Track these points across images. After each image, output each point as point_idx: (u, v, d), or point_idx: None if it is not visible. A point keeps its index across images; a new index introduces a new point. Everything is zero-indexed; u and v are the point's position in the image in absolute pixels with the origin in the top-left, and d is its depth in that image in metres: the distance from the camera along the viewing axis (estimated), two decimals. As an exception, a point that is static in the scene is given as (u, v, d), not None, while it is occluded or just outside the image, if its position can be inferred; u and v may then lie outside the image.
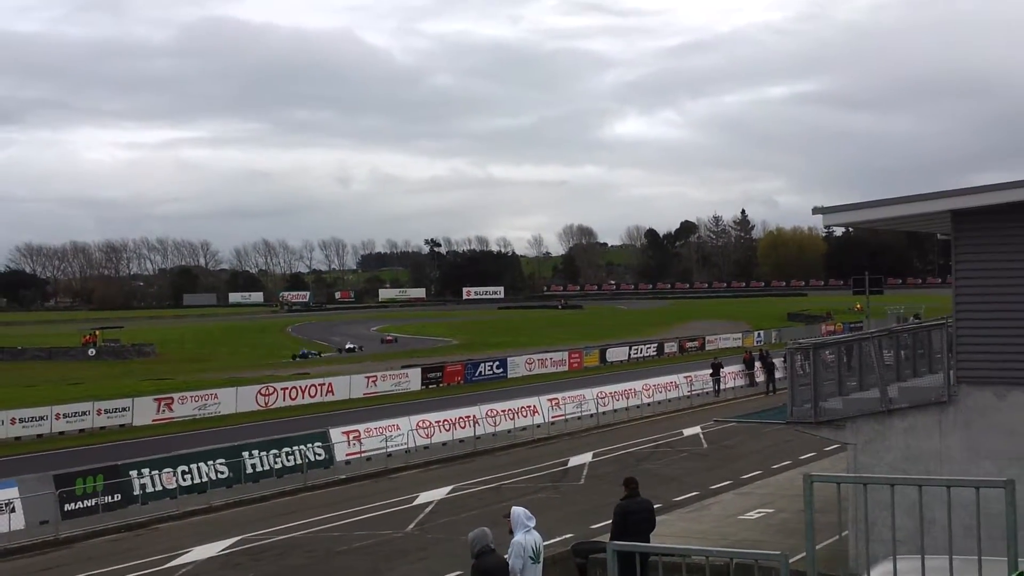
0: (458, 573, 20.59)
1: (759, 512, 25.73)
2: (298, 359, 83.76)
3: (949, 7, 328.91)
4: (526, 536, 13.10)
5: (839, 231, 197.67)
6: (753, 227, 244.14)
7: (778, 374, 53.56)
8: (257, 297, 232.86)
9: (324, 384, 55.70)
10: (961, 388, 17.93)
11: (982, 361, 17.78)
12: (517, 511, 13.46)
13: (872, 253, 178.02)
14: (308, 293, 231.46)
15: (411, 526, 26.34)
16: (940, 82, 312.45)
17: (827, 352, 21.03)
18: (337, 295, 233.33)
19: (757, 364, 58.27)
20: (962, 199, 17.97)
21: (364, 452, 35.71)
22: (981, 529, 5.93)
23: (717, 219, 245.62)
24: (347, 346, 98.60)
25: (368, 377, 58.38)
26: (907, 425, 18.42)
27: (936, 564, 6.34)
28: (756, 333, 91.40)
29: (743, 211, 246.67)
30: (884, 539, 8.12)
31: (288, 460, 33.30)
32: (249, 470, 32.05)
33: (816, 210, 19.14)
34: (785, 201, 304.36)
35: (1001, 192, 17.75)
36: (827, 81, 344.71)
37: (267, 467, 32.70)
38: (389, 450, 36.03)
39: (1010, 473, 13.92)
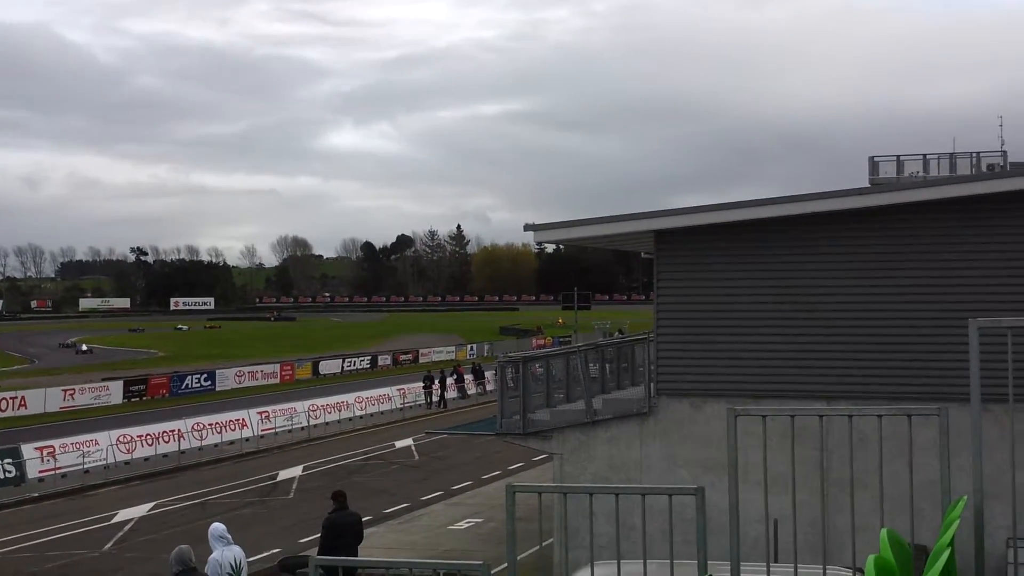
0: (158, 593, 19.76)
1: (469, 522, 26.03)
2: None
3: (655, 33, 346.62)
4: (224, 553, 12.71)
5: (550, 248, 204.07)
6: (468, 242, 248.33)
7: (489, 386, 54.62)
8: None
9: (16, 397, 52.35)
10: (661, 400, 18.71)
11: (680, 374, 18.63)
12: (213, 527, 13.08)
13: (582, 270, 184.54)
14: (0, 302, 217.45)
15: (109, 545, 25.13)
16: (646, 106, 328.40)
17: (536, 365, 21.51)
18: (33, 304, 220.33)
19: (468, 377, 59.17)
20: (664, 220, 18.83)
21: (59, 468, 33.94)
22: (678, 534, 6.10)
23: (433, 233, 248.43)
24: (82, 348, 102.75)
25: (65, 390, 55.35)
26: (610, 436, 19.05)
27: (633, 569, 6.50)
28: (469, 346, 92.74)
29: (458, 226, 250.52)
30: (587, 545, 8.30)
31: (-27, 478, 31.10)
32: (-72, 489, 29.74)
33: (527, 227, 19.57)
34: (498, 217, 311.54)
35: (700, 214, 18.70)
36: (538, 100, 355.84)
37: (-51, 486, 30.43)
38: (87, 466, 34.32)
39: (704, 480, 14.58)
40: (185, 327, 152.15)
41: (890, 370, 17.27)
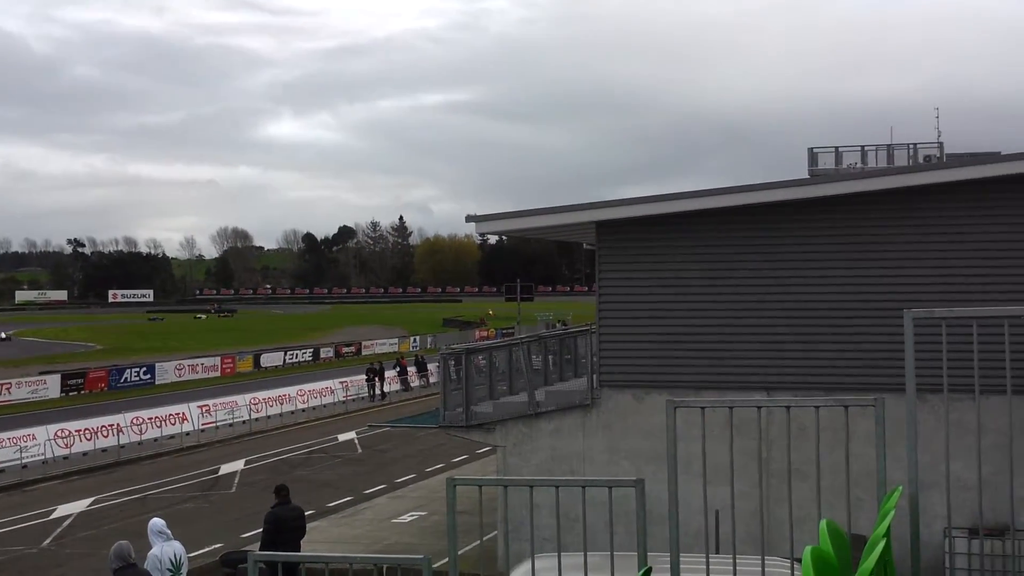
0: (97, 590, 19.52)
1: (412, 515, 25.98)
2: None
3: (596, 25, 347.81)
4: (163, 548, 12.59)
5: (493, 239, 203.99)
6: (411, 233, 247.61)
7: (432, 379, 54.51)
8: None
9: (-49, 392, 51.52)
10: (603, 391, 18.79)
11: (622, 366, 18.71)
12: (152, 523, 12.95)
13: (525, 261, 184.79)
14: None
15: (48, 541, 24.79)
16: (588, 97, 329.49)
17: (479, 357, 21.50)
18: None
19: (411, 369, 59.03)
20: (605, 211, 18.87)
21: (-5, 464, 33.41)
22: (621, 525, 6.14)
23: (375, 225, 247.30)
24: (2, 335, 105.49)
25: (1, 384, 54.48)
26: (553, 427, 19.10)
27: (575, 561, 6.53)
28: (412, 338, 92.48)
29: (401, 217, 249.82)
30: (530, 538, 8.33)
31: (-94, 475, 30.54)
32: None
33: (469, 218, 19.54)
34: (440, 208, 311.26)
35: (640, 205, 18.79)
36: (480, 91, 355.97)
37: None
38: (24, 461, 33.83)
39: (647, 472, 14.68)
40: (203, 316, 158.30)
41: (828, 361, 17.47)
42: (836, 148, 50.93)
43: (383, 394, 53.79)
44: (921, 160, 47.25)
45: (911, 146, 50.40)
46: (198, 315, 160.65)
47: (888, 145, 50.58)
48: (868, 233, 17.64)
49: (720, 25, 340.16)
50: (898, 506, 4.65)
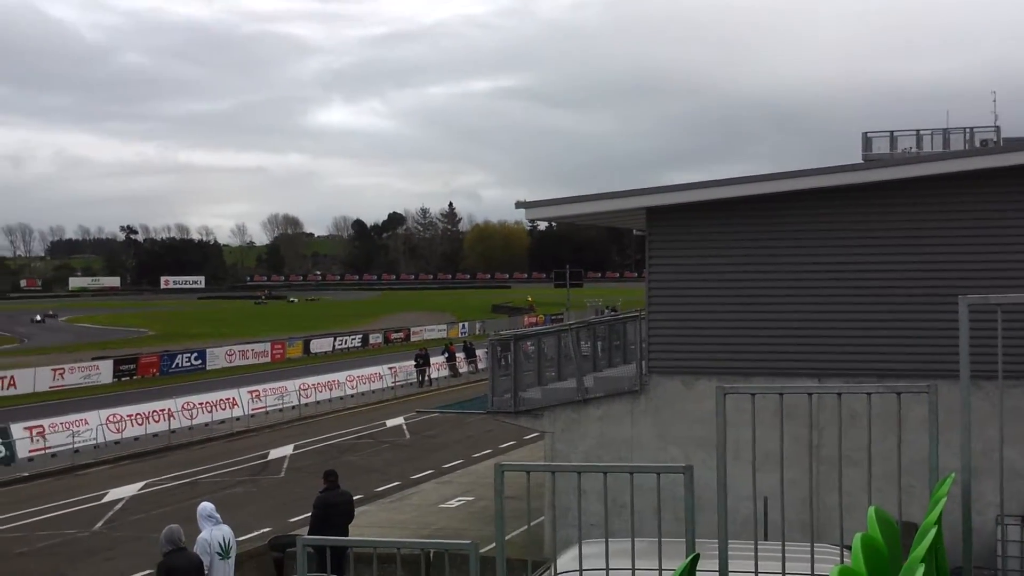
0: (147, 572, 19.69)
1: (460, 500, 26.02)
2: None
3: (645, 9, 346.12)
4: (212, 532, 12.70)
5: (543, 225, 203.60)
6: (460, 220, 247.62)
7: (481, 364, 54.56)
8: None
9: (5, 377, 52.17)
10: (652, 378, 18.69)
11: (671, 352, 18.60)
12: (201, 507, 13.07)
13: (574, 247, 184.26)
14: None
15: (99, 524, 25.12)
16: (637, 82, 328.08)
17: (528, 343, 21.48)
18: (23, 283, 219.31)
19: (460, 355, 59.09)
20: (655, 197, 18.76)
21: (49, 448, 33.86)
22: (669, 512, 6.08)
23: (425, 211, 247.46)
24: (37, 318, 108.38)
25: (55, 370, 55.21)
26: (601, 413, 19.04)
27: (622, 547, 6.47)
28: (461, 324, 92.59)
29: (450, 204, 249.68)
30: (577, 524, 8.28)
31: (-37, 458, 31.04)
32: (-82, 469, 29.66)
33: (519, 204, 19.50)
34: (489, 195, 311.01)
35: (691, 191, 18.66)
36: (530, 77, 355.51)
37: (-61, 465, 30.37)
38: (77, 446, 34.30)
39: (695, 458, 14.59)
40: (295, 300, 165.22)
41: (881, 347, 17.25)
42: (891, 132, 50.18)
43: (431, 380, 53.95)
44: (978, 144, 46.51)
45: (967, 130, 49.59)
46: (291, 299, 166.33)
47: (944, 129, 49.79)
48: (923, 218, 17.38)
49: (772, 8, 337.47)
50: (950, 494, 4.56)
